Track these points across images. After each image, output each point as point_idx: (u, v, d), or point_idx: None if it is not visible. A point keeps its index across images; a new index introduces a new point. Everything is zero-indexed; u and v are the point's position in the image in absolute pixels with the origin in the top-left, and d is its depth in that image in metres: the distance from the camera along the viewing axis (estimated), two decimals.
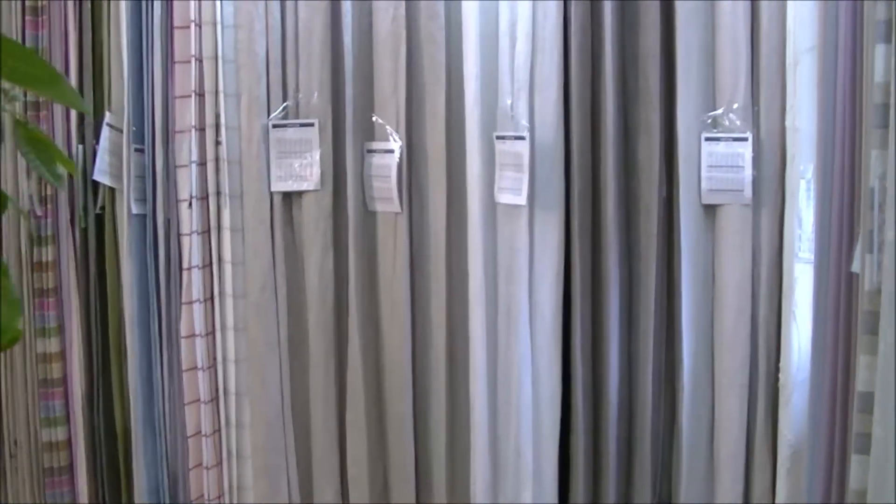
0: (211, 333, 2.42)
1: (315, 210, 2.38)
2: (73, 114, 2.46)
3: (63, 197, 2.48)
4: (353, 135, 2.33)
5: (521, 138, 2.19)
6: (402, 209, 2.32)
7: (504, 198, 2.26)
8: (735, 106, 2.14)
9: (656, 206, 2.19)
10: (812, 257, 2.02)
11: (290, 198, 2.41)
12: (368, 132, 2.37)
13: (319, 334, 2.40)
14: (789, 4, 2.08)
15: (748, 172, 2.13)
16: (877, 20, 1.58)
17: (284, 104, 2.38)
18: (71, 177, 2.44)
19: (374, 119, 2.37)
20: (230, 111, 2.38)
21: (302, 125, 2.36)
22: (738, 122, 2.15)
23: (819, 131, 1.91)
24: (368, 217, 2.40)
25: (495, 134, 2.24)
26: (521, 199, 2.22)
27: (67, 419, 2.59)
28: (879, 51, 1.57)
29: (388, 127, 2.36)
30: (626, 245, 2.25)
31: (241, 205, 2.39)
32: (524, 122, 2.20)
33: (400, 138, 2.32)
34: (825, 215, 1.88)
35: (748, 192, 2.14)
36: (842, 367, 1.82)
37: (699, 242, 2.19)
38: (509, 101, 2.22)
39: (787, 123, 2.09)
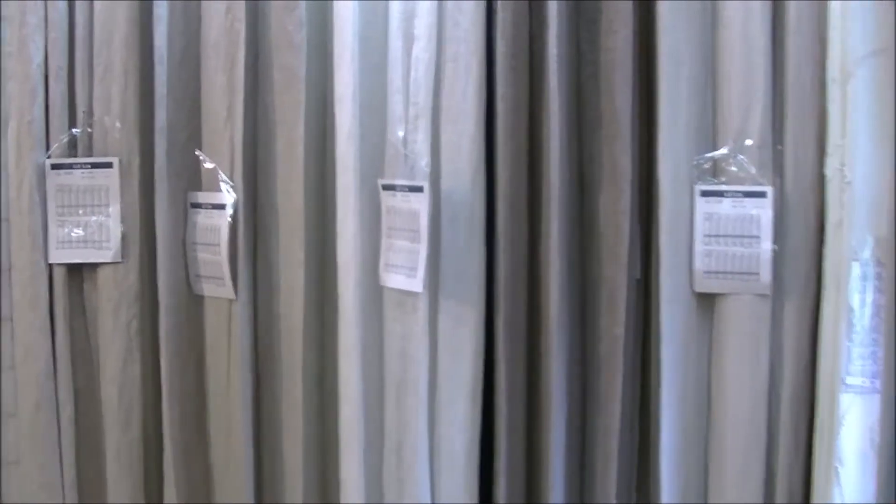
0: None
1: (114, 292, 1.69)
2: None
3: None
4: (170, 181, 1.66)
5: (419, 189, 1.54)
6: (236, 295, 1.64)
7: (393, 280, 1.59)
8: (747, 143, 1.50)
9: (625, 296, 1.54)
10: (870, 384, 1.43)
11: (79, 273, 1.71)
12: (193, 178, 1.69)
13: (122, 473, 1.72)
14: None
15: (766, 246, 1.50)
16: None
17: (70, 133, 1.69)
18: None
19: (199, 159, 1.66)
20: None
21: (95, 166, 1.68)
22: (751, 169, 1.51)
23: (887, 185, 1.36)
24: (192, 304, 1.71)
25: (381, 182, 1.59)
26: (417, 284, 1.54)
27: None
28: None
29: (219, 171, 1.64)
30: (578, 352, 1.60)
31: (8, 282, 1.72)
32: (424, 164, 1.55)
33: (236, 188, 1.64)
34: None
35: (766, 276, 1.50)
36: None
37: (689, 350, 1.55)
38: (401, 134, 1.57)
39: (828, 171, 1.46)
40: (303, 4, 1.59)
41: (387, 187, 1.58)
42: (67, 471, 1.72)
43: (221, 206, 1.63)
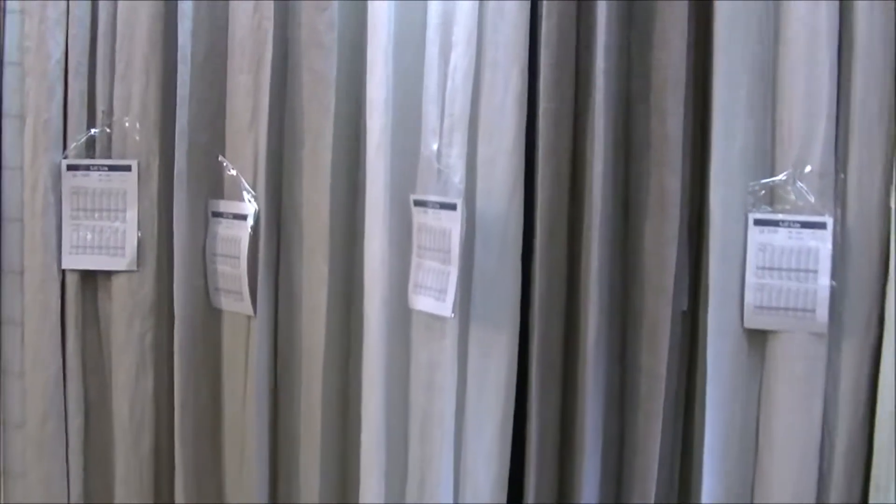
0: None
1: (128, 302, 1.61)
2: None
3: None
4: (190, 187, 1.57)
5: (451, 207, 1.42)
6: (255, 311, 1.54)
7: (421, 303, 1.48)
8: (807, 170, 1.38)
9: (668, 331, 1.41)
10: None
11: (93, 280, 1.64)
12: (215, 184, 1.60)
13: (131, 490, 1.64)
14: None
15: (824, 282, 1.38)
16: None
17: (88, 133, 1.60)
18: None
19: (222, 164, 1.55)
20: (10, 142, 1.62)
21: (112, 168, 1.60)
22: (810, 198, 1.39)
23: None
24: (210, 318, 1.62)
25: (412, 197, 1.48)
26: (447, 308, 1.43)
27: None
28: None
29: (241, 178, 1.53)
30: (617, 388, 1.47)
31: (20, 286, 1.63)
32: (457, 180, 1.44)
33: (258, 198, 1.53)
34: None
35: (823, 313, 1.38)
36: None
37: (736, 391, 1.42)
38: (435, 146, 1.46)
39: (895, 203, 1.35)
40: (335, 4, 1.50)
41: (418, 203, 1.47)
42: (74, 485, 1.65)
43: (243, 217, 1.53)
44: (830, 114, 1.36)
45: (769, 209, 1.41)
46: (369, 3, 1.46)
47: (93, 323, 1.64)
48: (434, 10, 1.45)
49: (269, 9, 1.50)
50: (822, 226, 1.38)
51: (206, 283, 1.60)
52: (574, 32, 1.43)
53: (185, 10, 1.54)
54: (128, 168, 1.58)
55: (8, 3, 1.59)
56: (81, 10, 1.58)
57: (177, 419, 1.58)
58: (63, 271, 1.61)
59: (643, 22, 1.41)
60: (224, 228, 1.56)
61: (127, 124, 1.58)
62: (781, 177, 1.40)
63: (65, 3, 1.58)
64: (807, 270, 1.39)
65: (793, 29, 1.37)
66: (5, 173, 1.61)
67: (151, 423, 1.62)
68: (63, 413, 1.62)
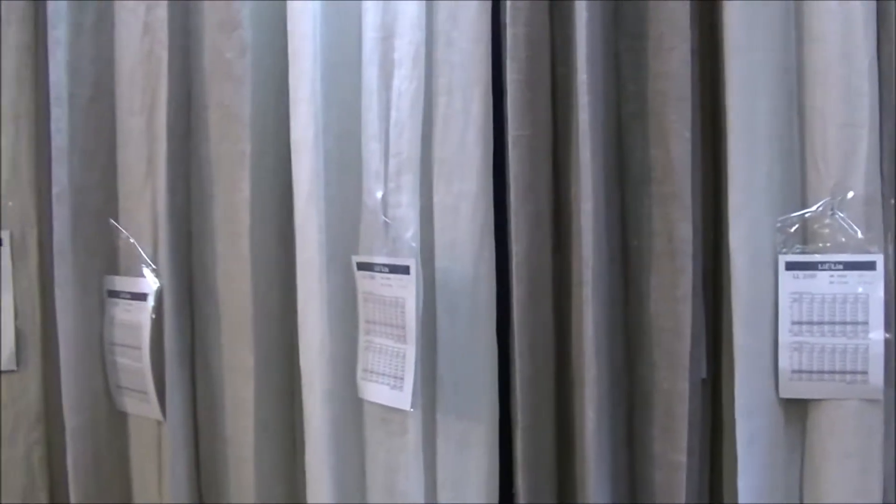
0: None
1: (9, 411, 1.38)
2: None
3: None
4: (77, 262, 1.34)
5: (403, 270, 1.21)
6: (164, 415, 1.31)
7: (373, 392, 1.25)
8: (849, 196, 1.21)
9: (686, 408, 1.21)
10: None
11: None
12: (110, 257, 1.37)
13: None
14: None
15: (877, 335, 1.21)
16: None
17: None
18: None
19: (116, 231, 1.35)
20: None
21: None
22: (854, 232, 1.22)
23: None
24: (113, 424, 1.39)
25: (355, 260, 1.26)
26: (405, 399, 1.21)
27: None
28: None
29: (137, 248, 1.32)
30: (625, 483, 1.26)
31: None
32: (409, 235, 1.22)
33: (160, 272, 1.30)
34: None
35: (877, 374, 1.21)
36: None
37: (775, 477, 1.24)
38: (380, 194, 1.24)
39: None
40: (247, 21, 1.26)
41: (362, 266, 1.24)
42: None
43: (143, 297, 1.29)
44: (874, 124, 1.19)
45: (804, 248, 1.25)
46: (289, 15, 1.23)
47: None
48: (370, 22, 1.22)
49: (162, 29, 1.28)
50: (870, 266, 1.22)
51: (105, 381, 1.37)
52: (548, 40, 1.22)
53: (59, 37, 1.31)
54: None
55: None
56: None
57: None
58: None
59: (634, 24, 1.22)
60: (122, 312, 1.33)
61: None
62: (817, 207, 1.23)
63: None
64: (854, 323, 1.23)
65: (822, 23, 1.19)
66: None
67: None
68: None
